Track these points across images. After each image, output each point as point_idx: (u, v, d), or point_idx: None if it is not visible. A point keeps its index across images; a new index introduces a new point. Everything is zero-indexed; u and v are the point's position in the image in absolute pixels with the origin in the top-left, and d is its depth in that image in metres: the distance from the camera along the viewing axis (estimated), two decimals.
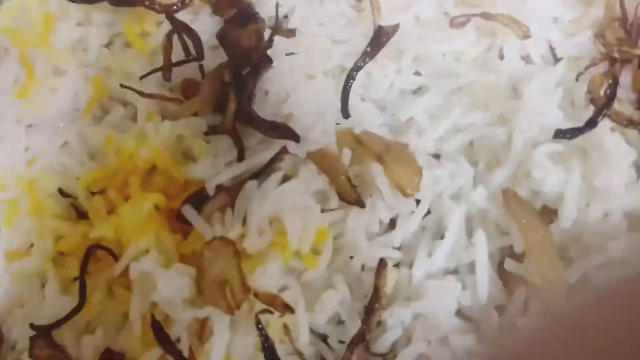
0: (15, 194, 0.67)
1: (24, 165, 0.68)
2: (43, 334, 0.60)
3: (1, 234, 0.68)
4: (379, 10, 0.67)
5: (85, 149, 0.67)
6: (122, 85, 0.63)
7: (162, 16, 0.67)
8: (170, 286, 0.57)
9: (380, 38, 0.65)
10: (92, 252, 0.62)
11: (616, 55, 0.62)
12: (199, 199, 0.60)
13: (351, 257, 0.59)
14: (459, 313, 0.57)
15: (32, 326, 0.60)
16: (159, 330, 0.56)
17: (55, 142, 0.67)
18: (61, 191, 0.66)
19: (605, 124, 0.58)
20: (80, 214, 0.66)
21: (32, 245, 0.65)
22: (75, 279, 0.63)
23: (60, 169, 0.67)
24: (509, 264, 0.56)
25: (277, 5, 0.67)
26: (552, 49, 0.67)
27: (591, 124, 0.57)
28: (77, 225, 0.64)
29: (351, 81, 0.64)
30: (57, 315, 0.60)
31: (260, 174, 0.61)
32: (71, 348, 0.61)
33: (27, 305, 0.64)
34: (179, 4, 0.64)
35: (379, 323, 0.56)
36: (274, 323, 0.55)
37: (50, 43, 0.68)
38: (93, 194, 0.65)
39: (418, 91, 0.68)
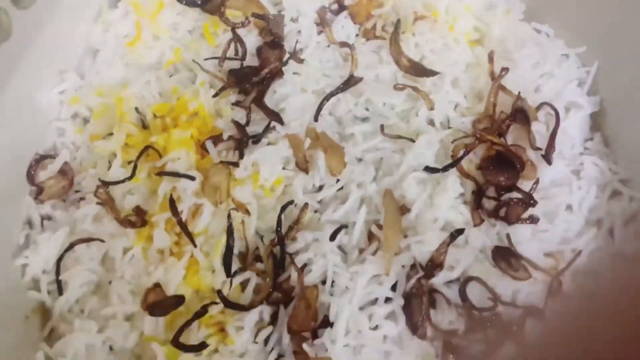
0: (108, 102, 1.06)
1: (119, 86, 1.07)
2: (106, 184, 0.99)
3: (91, 122, 1.08)
4: (356, 65, 1.02)
5: (158, 89, 1.05)
6: (193, 60, 1.02)
7: (228, 26, 1.06)
8: (187, 181, 0.97)
9: (350, 82, 1.01)
10: (146, 150, 0.99)
11: (478, 136, 1.02)
12: (216, 139, 0.98)
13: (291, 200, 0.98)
14: (339, 247, 0.98)
15: (100, 180, 1.00)
16: (172, 203, 0.95)
17: (141, 79, 1.04)
18: (136, 109, 1.01)
19: (453, 171, 0.97)
20: (144, 126, 1.03)
21: (111, 133, 1.03)
22: (130, 161, 0.99)
23: (139, 96, 1.04)
24: (374, 229, 0.92)
25: (297, 42, 1.05)
26: (448, 121, 1.03)
27: (445, 169, 0.95)
28: (141, 131, 1.03)
29: (325, 101, 1.00)
30: (116, 179, 0.97)
31: (256, 136, 1.01)
32: (118, 201, 0.97)
33: (98, 168, 1.02)
34: (240, 24, 1.03)
35: (294, 237, 0.95)
36: (237, 218, 0.93)
37: (157, 19, 1.06)
38: (155, 117, 1.05)
39: (363, 119, 1.03)
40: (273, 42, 1.01)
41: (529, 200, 0.95)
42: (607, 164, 1.02)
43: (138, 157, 0.97)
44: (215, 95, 0.97)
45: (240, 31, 1.03)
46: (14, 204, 0.99)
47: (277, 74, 1.00)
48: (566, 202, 0.99)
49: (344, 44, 1.05)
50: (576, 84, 1.07)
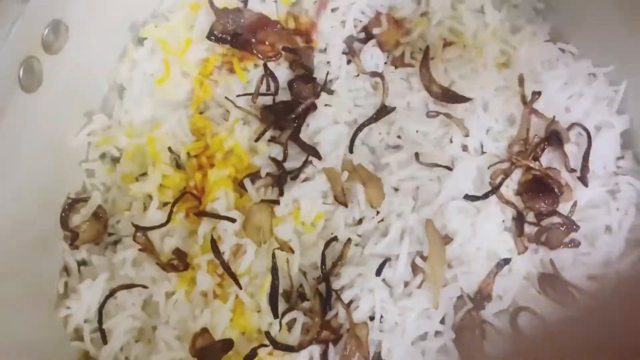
0: (140, 142, 1.05)
1: (149, 125, 1.06)
2: (143, 230, 0.98)
3: (122, 162, 1.06)
4: (387, 94, 1.01)
5: (190, 127, 1.04)
6: (226, 97, 1.01)
7: (258, 61, 1.05)
8: (227, 221, 0.96)
9: (383, 111, 1.00)
10: (184, 195, 0.97)
11: (514, 161, 1.02)
12: (254, 177, 0.97)
13: (332, 234, 0.97)
14: (383, 280, 0.97)
15: (135, 226, 0.98)
16: (214, 244, 0.94)
17: (172, 117, 1.03)
18: (170, 149, 1.00)
19: (493, 198, 0.98)
20: (178, 166, 1.02)
21: (144, 173, 1.01)
22: (166, 203, 0.99)
23: (172, 134, 1.04)
24: (418, 260, 0.92)
25: (327, 73, 1.04)
26: (481, 146, 1.02)
27: (485, 196, 0.95)
28: (176, 171, 1.01)
29: (359, 132, 0.99)
30: (153, 223, 0.95)
31: (293, 172, 1.00)
32: (156, 243, 0.96)
33: (133, 210, 1.01)
34: (272, 57, 1.02)
35: (338, 273, 0.95)
36: (280, 256, 0.92)
37: (185, 56, 1.05)
38: (189, 156, 1.04)
39: (396, 148, 1.02)
40: (305, 76, 1.01)
41: (571, 225, 0.95)
42: None
43: (175, 202, 0.95)
44: (257, 140, 0.96)
45: (270, 65, 1.02)
46: (49, 252, 0.97)
47: (312, 107, 0.99)
48: (605, 223, 0.99)
49: (374, 74, 1.04)
50: (606, 103, 1.08)
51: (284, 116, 0.98)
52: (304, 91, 0.99)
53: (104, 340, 0.91)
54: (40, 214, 0.96)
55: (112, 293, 0.93)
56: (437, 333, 0.91)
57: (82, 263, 1.00)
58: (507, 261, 0.91)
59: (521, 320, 0.88)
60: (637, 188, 1.02)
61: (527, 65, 1.10)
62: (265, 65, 1.00)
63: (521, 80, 1.06)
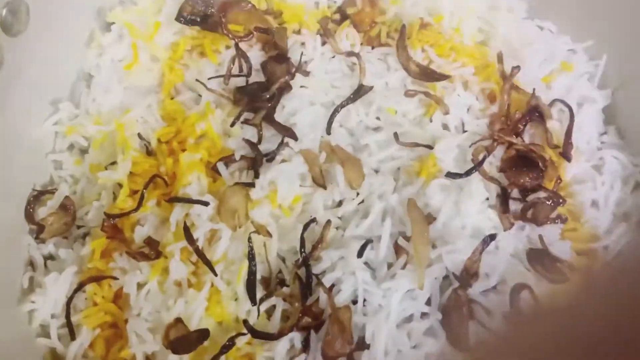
0: (108, 130, 1.01)
1: (119, 112, 1.02)
2: (112, 217, 0.94)
3: (90, 151, 1.02)
4: (364, 74, 0.99)
5: (160, 112, 1.01)
6: (197, 80, 0.97)
7: (230, 42, 1.02)
8: (200, 206, 0.92)
9: (360, 91, 0.97)
10: (153, 179, 0.93)
11: (496, 137, 1.00)
12: (228, 160, 0.94)
13: (311, 217, 0.94)
14: (365, 263, 0.93)
15: (106, 213, 0.94)
16: (187, 230, 0.90)
17: (142, 103, 1.00)
18: (140, 135, 0.96)
19: (476, 175, 0.95)
20: (149, 153, 0.98)
21: (113, 163, 0.98)
22: (137, 191, 0.94)
23: (142, 121, 1.00)
24: (401, 241, 0.88)
25: (301, 55, 1.00)
26: (462, 124, 0.99)
27: (467, 173, 0.91)
28: (146, 158, 0.97)
29: (336, 113, 0.96)
30: (122, 211, 0.92)
31: (269, 154, 0.97)
32: (126, 232, 0.93)
33: (102, 200, 0.96)
34: (244, 37, 0.99)
35: (318, 257, 0.91)
36: (257, 241, 0.89)
37: (154, 40, 1.02)
38: (160, 142, 1.00)
39: (375, 129, 0.99)
40: (279, 56, 0.98)
41: (557, 199, 0.92)
42: (627, 156, 1.00)
43: (145, 187, 0.91)
44: (233, 124, 0.92)
45: (242, 46, 0.99)
46: (13, 246, 0.92)
47: (286, 88, 0.96)
48: (591, 198, 0.97)
49: (350, 54, 1.02)
50: (586, 78, 1.06)
51: (258, 97, 0.95)
52: (278, 71, 0.96)
53: (72, 336, 0.86)
54: (4, 207, 0.92)
55: (80, 286, 0.88)
56: (423, 315, 0.86)
57: (49, 257, 0.95)
58: (492, 237, 0.88)
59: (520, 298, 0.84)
60: (622, 162, 0.99)
61: (506, 43, 1.08)
62: (237, 46, 0.97)
63: (500, 57, 1.04)
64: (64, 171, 1.00)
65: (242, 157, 0.94)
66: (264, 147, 0.95)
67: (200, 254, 0.87)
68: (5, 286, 0.88)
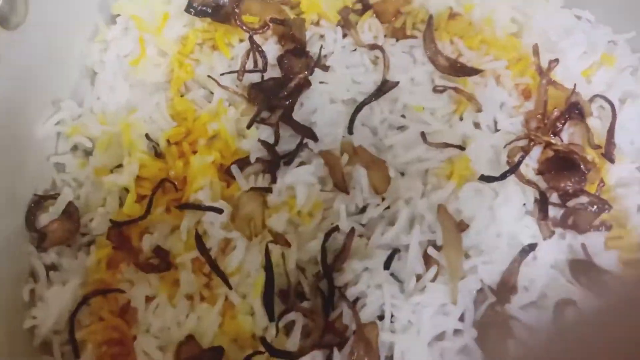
0: (113, 130, 0.94)
1: (125, 111, 0.95)
2: (118, 226, 0.87)
3: (95, 153, 0.95)
4: (388, 68, 0.92)
5: (169, 111, 0.94)
6: (209, 76, 0.90)
7: (244, 35, 0.95)
8: (213, 213, 0.84)
9: (384, 87, 0.91)
10: (162, 183, 0.86)
11: (532, 137, 0.92)
12: (243, 163, 0.87)
13: (332, 224, 0.86)
14: (392, 275, 0.87)
15: (112, 221, 0.88)
16: (199, 240, 0.83)
17: (150, 102, 0.93)
18: (147, 136, 0.90)
19: (511, 178, 0.88)
20: (157, 155, 0.92)
21: (119, 165, 0.91)
22: (145, 196, 0.88)
23: (149, 120, 0.93)
24: (431, 251, 0.82)
25: (321, 48, 0.93)
26: (495, 123, 0.92)
27: (503, 176, 0.84)
28: (154, 160, 0.91)
29: (359, 111, 0.89)
30: (129, 218, 0.85)
31: (287, 156, 0.89)
32: (134, 241, 0.87)
33: (108, 206, 0.90)
34: (259, 30, 0.92)
35: (340, 268, 0.84)
36: (274, 251, 0.83)
37: (162, 33, 0.95)
38: (169, 143, 0.93)
39: (400, 128, 0.92)
40: (297, 50, 0.90)
41: (601, 205, 0.84)
42: None
43: (153, 192, 0.85)
44: (249, 126, 0.86)
45: (257, 39, 0.91)
46: (13, 256, 0.86)
47: (305, 84, 0.89)
48: (637, 203, 0.89)
49: (373, 46, 0.94)
50: (629, 72, 0.98)
51: (275, 94, 0.88)
52: (296, 66, 0.89)
53: (76, 354, 0.80)
54: (2, 213, 0.85)
55: (84, 300, 0.82)
56: (456, 332, 0.80)
57: (51, 267, 0.88)
58: (532, 247, 0.81)
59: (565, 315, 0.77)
60: None
61: (541, 35, 1.00)
62: (251, 39, 0.90)
63: (536, 50, 0.96)
64: (67, 174, 0.94)
65: (258, 160, 0.87)
66: (281, 149, 0.88)
67: (213, 265, 0.81)
68: (5, 300, 0.82)
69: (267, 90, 0.88)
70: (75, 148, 0.96)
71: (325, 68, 0.94)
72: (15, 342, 0.81)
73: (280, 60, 0.91)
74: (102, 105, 0.94)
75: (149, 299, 0.82)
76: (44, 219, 0.89)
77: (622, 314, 0.38)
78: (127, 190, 0.88)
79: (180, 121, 0.91)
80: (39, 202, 0.90)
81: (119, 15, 0.96)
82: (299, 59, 0.90)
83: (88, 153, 0.95)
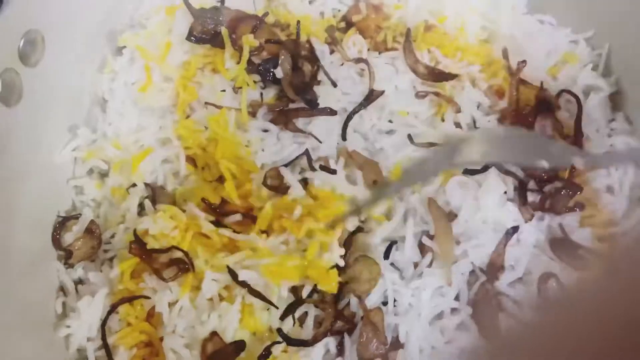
0: (127, 154, 1.01)
1: (136, 135, 1.03)
2: (139, 239, 0.95)
3: (110, 175, 1.03)
4: (374, 79, 1.00)
5: (176, 133, 1.02)
6: (206, 103, 0.98)
7: (240, 57, 1.04)
8: None
9: (371, 96, 0.99)
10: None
11: None
12: None
13: None
14: (392, 264, 0.95)
15: (135, 235, 0.95)
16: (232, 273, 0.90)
17: (157, 124, 1.02)
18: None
19: (492, 170, 0.96)
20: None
21: (134, 184, 1.00)
22: None
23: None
24: (425, 240, 0.90)
25: (318, 65, 1.01)
26: (474, 121, 1.02)
27: (484, 169, 0.93)
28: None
29: (350, 119, 0.98)
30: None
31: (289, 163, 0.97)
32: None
33: (127, 223, 0.97)
34: (254, 52, 1.01)
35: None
36: None
37: (166, 61, 1.04)
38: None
39: (389, 132, 1.01)
40: (295, 68, 0.99)
41: (573, 188, 0.94)
42: (636, 140, 1.02)
43: None
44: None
45: (254, 60, 1.00)
46: (43, 273, 0.93)
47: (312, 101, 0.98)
48: (606, 184, 0.99)
49: (359, 60, 1.03)
50: (591, 68, 1.08)
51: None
52: (303, 77, 0.98)
53: (110, 358, 0.87)
54: (30, 235, 0.92)
55: (113, 308, 0.89)
56: (453, 310, 0.88)
57: (78, 282, 0.95)
58: (515, 229, 0.90)
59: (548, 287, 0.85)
60: (633, 146, 1.01)
61: (509, 39, 1.10)
62: (250, 60, 0.98)
63: (505, 53, 1.06)
64: (85, 196, 1.01)
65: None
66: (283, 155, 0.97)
67: (233, 274, 0.87)
68: (40, 313, 0.89)
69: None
70: (91, 171, 1.03)
71: (317, 82, 1.03)
72: (52, 352, 0.88)
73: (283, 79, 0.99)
74: (115, 130, 1.02)
75: (171, 304, 0.89)
76: (68, 238, 0.95)
77: (598, 283, 0.40)
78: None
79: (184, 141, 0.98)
80: (63, 223, 0.97)
81: (124, 47, 1.04)
82: (300, 76, 0.98)
83: (104, 175, 1.03)
